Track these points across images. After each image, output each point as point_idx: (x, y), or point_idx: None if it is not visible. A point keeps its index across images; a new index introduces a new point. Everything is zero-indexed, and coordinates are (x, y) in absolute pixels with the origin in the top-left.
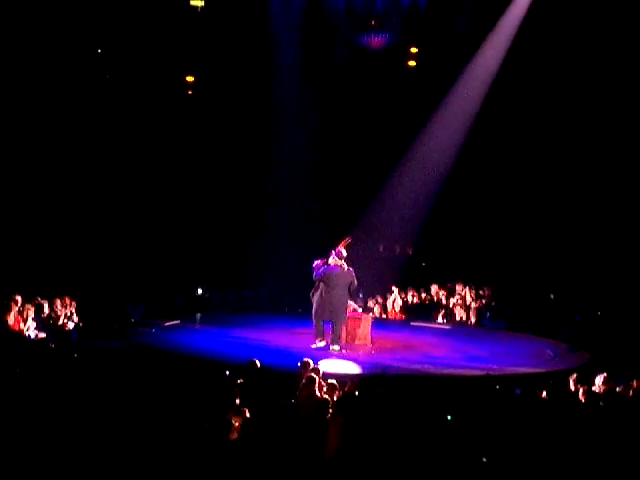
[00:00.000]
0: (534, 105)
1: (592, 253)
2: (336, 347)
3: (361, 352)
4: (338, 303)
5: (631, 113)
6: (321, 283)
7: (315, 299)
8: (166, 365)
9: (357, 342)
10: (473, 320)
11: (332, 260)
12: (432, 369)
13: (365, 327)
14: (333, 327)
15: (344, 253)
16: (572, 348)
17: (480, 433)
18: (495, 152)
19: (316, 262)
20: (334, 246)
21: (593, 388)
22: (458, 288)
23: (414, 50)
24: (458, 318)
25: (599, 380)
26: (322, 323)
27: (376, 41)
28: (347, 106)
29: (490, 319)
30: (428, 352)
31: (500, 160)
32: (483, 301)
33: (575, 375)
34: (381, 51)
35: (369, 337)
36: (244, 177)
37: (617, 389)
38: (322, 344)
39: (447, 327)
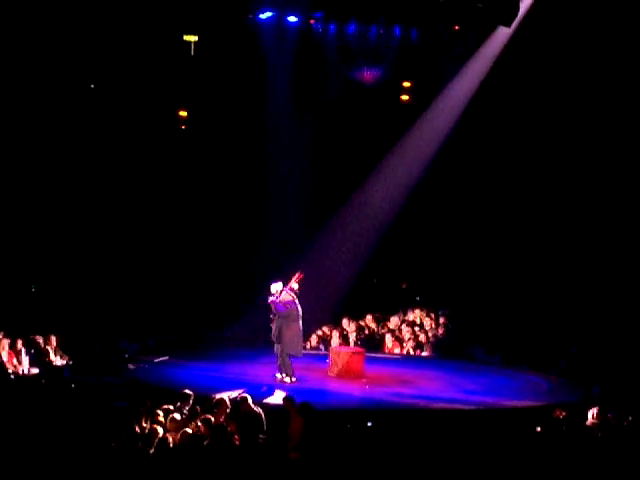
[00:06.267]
0: (497, 135)
1: (587, 285)
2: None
3: (355, 387)
4: (299, 337)
5: (604, 140)
6: (281, 318)
7: (287, 334)
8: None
9: (350, 377)
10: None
11: (285, 295)
12: (426, 403)
13: (358, 362)
14: (285, 359)
15: (296, 288)
16: (566, 381)
17: (475, 466)
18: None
19: (271, 297)
20: (287, 281)
21: (587, 421)
22: (414, 314)
23: (407, 84)
24: (412, 346)
25: (592, 413)
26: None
27: (369, 75)
28: (340, 141)
29: (486, 353)
30: (422, 386)
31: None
32: (440, 326)
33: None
34: (374, 86)
35: (362, 372)
36: (237, 211)
37: (611, 421)
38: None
39: (427, 357)
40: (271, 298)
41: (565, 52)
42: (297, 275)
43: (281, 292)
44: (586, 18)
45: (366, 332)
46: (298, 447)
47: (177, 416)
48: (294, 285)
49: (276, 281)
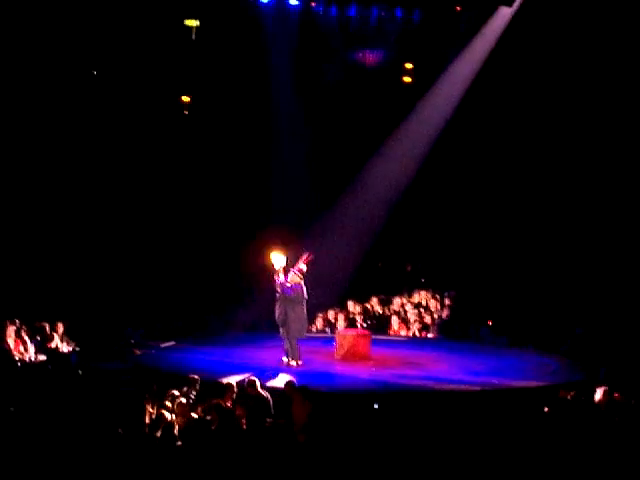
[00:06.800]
0: (500, 116)
1: (592, 265)
2: (300, 362)
3: (361, 369)
4: (304, 319)
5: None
6: (286, 301)
7: (292, 317)
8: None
9: (357, 359)
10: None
11: (293, 276)
12: (432, 385)
13: (364, 344)
14: (292, 342)
15: (304, 269)
16: (573, 362)
17: (481, 448)
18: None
19: (280, 280)
20: (295, 262)
21: (595, 400)
22: (420, 296)
23: (409, 66)
24: (417, 328)
25: (599, 393)
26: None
27: (370, 58)
28: (343, 123)
29: (491, 334)
30: (428, 368)
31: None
32: (446, 308)
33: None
34: (376, 68)
35: (369, 354)
36: (241, 196)
37: (618, 400)
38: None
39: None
40: (280, 280)
41: (567, 32)
42: (306, 256)
43: (286, 272)
44: None
45: (372, 314)
46: (304, 430)
47: (184, 400)
48: (302, 266)
49: (277, 253)
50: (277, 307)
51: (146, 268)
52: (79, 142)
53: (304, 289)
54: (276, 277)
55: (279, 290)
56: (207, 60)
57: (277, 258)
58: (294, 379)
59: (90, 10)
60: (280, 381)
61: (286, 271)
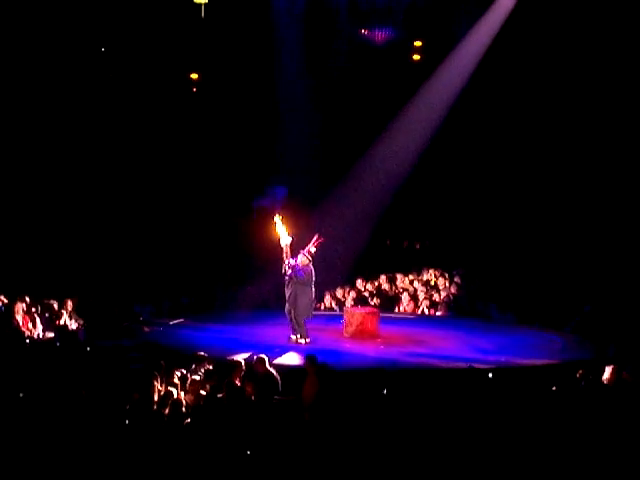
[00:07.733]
0: (510, 94)
1: (600, 242)
2: (308, 340)
3: (370, 347)
4: (312, 300)
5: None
6: (298, 283)
7: (302, 299)
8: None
9: (365, 337)
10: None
11: (302, 258)
12: (440, 363)
13: (373, 322)
14: (299, 322)
15: (313, 252)
16: (580, 339)
17: (488, 426)
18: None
19: (291, 262)
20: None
21: (603, 378)
22: (428, 274)
23: (418, 43)
24: (426, 305)
25: (608, 371)
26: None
27: (380, 36)
28: (352, 101)
29: (500, 311)
30: (437, 346)
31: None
32: (454, 285)
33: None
34: (385, 46)
35: (377, 332)
36: (247, 174)
37: (627, 379)
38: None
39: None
40: (291, 262)
41: (578, 9)
42: (316, 239)
43: (295, 253)
44: None
45: (380, 292)
46: (310, 408)
47: (197, 378)
48: (312, 249)
49: (280, 188)
50: (287, 288)
51: (155, 245)
52: (87, 121)
53: (313, 271)
54: (286, 260)
55: (291, 273)
56: (216, 37)
57: (281, 229)
58: (312, 355)
59: None
60: (288, 359)
61: (295, 252)
